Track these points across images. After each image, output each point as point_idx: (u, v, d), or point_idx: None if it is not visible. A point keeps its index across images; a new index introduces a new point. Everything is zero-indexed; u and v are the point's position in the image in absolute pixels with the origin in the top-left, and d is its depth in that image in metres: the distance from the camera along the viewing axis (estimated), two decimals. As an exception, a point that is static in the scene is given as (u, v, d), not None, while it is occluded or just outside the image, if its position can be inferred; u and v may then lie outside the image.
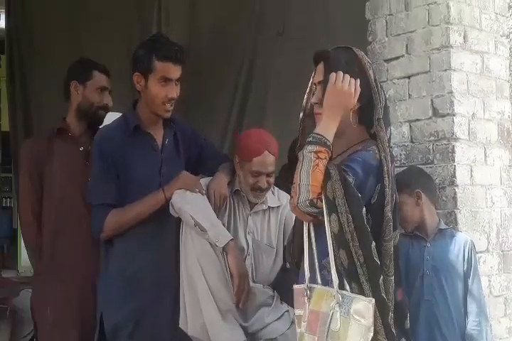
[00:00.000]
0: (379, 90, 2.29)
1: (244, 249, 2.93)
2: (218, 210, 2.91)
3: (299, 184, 2.10)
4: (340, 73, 2.22)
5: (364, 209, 2.08)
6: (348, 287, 2.05)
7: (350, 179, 2.09)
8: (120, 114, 3.14)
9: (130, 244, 2.87)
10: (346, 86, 2.21)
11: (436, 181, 3.17)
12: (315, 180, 2.09)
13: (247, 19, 5.86)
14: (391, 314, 2.06)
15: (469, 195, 3.21)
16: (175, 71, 2.83)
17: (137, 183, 2.87)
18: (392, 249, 2.16)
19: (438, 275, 2.89)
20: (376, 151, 2.21)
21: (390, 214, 2.15)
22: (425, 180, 3.07)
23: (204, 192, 2.88)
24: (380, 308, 2.01)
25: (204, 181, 2.94)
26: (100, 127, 3.15)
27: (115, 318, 2.83)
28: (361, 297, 2.01)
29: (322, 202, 2.09)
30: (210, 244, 2.74)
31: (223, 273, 2.74)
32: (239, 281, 2.72)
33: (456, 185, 3.15)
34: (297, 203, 2.10)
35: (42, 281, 3.17)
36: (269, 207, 3.04)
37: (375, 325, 1.97)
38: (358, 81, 2.24)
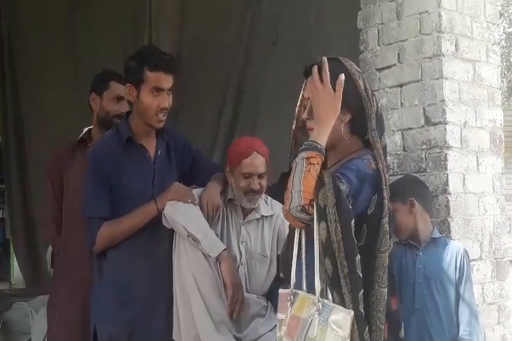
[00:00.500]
0: (370, 99, 2.25)
1: (236, 258, 2.92)
2: (211, 220, 2.90)
3: (291, 190, 2.10)
4: (326, 82, 2.19)
5: (353, 220, 2.06)
6: (330, 296, 2.05)
7: (344, 186, 2.08)
8: None
9: (123, 255, 2.85)
10: (332, 91, 2.18)
11: (429, 189, 3.17)
12: (307, 186, 2.08)
13: (239, 29, 5.85)
14: (367, 329, 2.04)
15: (462, 203, 3.22)
16: (167, 81, 2.82)
17: (130, 195, 2.86)
18: (387, 259, 2.14)
19: (429, 284, 2.90)
20: (371, 160, 2.19)
21: (387, 226, 2.13)
22: (419, 188, 3.07)
23: (197, 202, 2.87)
24: (358, 322, 2.00)
25: (196, 191, 2.93)
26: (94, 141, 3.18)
27: (109, 330, 2.82)
28: (341, 308, 2.00)
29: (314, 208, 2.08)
30: (204, 254, 2.73)
31: (216, 283, 2.73)
32: (233, 292, 2.70)
33: (449, 193, 3.16)
34: (289, 209, 2.09)
35: (54, 284, 3.30)
36: (262, 216, 3.03)
37: (352, 338, 1.97)
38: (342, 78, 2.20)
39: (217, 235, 2.84)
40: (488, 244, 3.34)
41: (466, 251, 2.97)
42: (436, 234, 2.99)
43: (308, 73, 2.30)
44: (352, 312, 1.98)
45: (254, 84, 5.75)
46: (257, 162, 2.91)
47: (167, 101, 2.84)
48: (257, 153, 2.91)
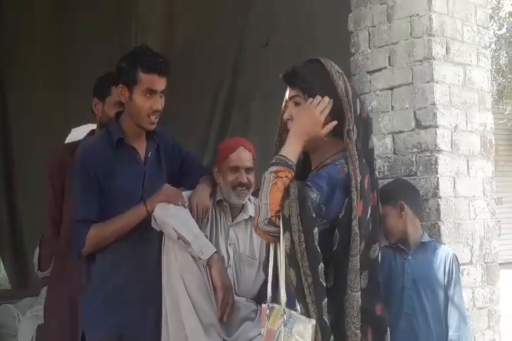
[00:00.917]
0: (350, 100, 2.23)
1: (224, 260, 2.91)
2: (201, 222, 2.89)
3: (259, 204, 2.12)
4: (318, 98, 2.21)
5: (316, 229, 2.06)
6: (298, 306, 2.06)
7: (315, 195, 2.08)
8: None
9: (111, 258, 2.83)
10: (318, 113, 2.19)
11: (420, 193, 3.16)
12: (273, 198, 2.09)
13: (229, 33, 5.84)
14: (332, 337, 2.04)
15: (452, 207, 3.21)
16: (160, 83, 2.81)
17: (120, 197, 2.84)
18: (359, 264, 2.10)
19: (418, 289, 2.89)
20: (344, 165, 2.17)
21: (357, 229, 2.10)
22: (410, 192, 3.07)
23: (186, 204, 2.85)
24: (322, 331, 2.01)
25: (186, 194, 2.92)
26: (83, 141, 3.16)
27: (98, 334, 2.80)
28: (302, 317, 2.02)
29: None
30: (193, 257, 2.71)
31: (206, 286, 2.72)
32: (223, 294, 2.69)
33: (440, 197, 3.16)
34: (257, 223, 2.11)
35: (51, 286, 3.31)
36: (250, 216, 3.03)
37: None
38: (330, 105, 2.21)
39: (206, 237, 2.83)
40: (478, 248, 3.33)
41: (455, 256, 2.97)
42: (426, 238, 2.99)
43: (286, 78, 2.29)
44: (313, 321, 1.99)
45: (244, 87, 5.74)
46: (244, 156, 2.96)
47: (160, 103, 2.83)
48: (243, 148, 2.98)
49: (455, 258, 2.96)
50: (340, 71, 2.28)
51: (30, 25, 7.04)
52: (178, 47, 6.04)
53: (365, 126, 2.31)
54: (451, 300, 2.89)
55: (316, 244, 2.05)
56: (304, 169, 2.31)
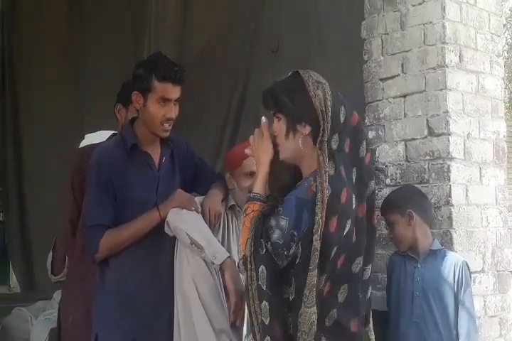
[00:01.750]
0: (327, 110, 2.16)
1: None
2: (213, 227, 2.90)
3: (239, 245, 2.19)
4: (257, 131, 2.29)
5: (262, 267, 2.08)
6: None
7: (284, 221, 2.06)
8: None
9: (125, 263, 2.84)
10: (261, 141, 2.27)
11: (432, 201, 3.16)
12: (242, 239, 2.16)
13: (240, 38, 5.85)
14: None
15: (465, 215, 3.21)
16: (174, 92, 2.82)
17: (134, 202, 2.85)
18: (315, 279, 2.05)
19: (427, 297, 2.88)
20: (312, 182, 2.12)
21: (316, 244, 2.04)
22: (419, 199, 3.05)
23: (199, 210, 2.86)
24: None
25: (198, 199, 2.93)
26: (98, 146, 3.15)
27: (111, 338, 2.80)
28: None
29: None
30: (205, 262, 2.72)
31: (218, 292, 2.72)
32: (236, 299, 2.69)
33: (452, 205, 3.15)
34: (238, 265, 2.20)
35: (68, 289, 3.30)
36: None
37: None
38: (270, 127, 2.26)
39: (218, 242, 2.84)
40: (490, 256, 3.33)
41: (465, 263, 2.94)
42: (436, 246, 2.97)
43: (262, 100, 2.31)
44: None
45: (255, 94, 5.74)
46: None
47: (173, 111, 2.84)
48: None
49: (465, 265, 2.94)
50: (321, 80, 2.22)
51: (44, 34, 7.10)
52: (191, 55, 6.06)
53: (354, 134, 2.23)
54: (461, 308, 2.87)
55: (261, 282, 2.07)
56: (295, 181, 2.26)
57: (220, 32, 5.93)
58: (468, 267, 2.95)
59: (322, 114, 2.15)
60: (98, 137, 3.40)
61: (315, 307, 2.04)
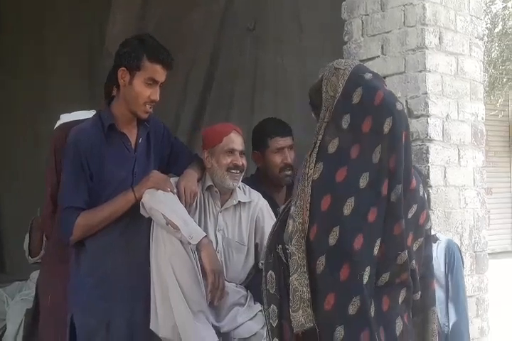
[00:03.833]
0: (333, 96, 2.12)
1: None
2: (189, 207, 2.89)
3: None
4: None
5: (271, 272, 2.14)
6: None
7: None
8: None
9: (100, 245, 2.81)
10: None
11: (410, 182, 3.16)
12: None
13: (208, 14, 5.69)
14: None
15: (443, 196, 3.22)
16: (162, 74, 2.82)
17: (110, 183, 2.82)
18: (297, 283, 2.05)
19: None
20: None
21: (294, 249, 2.02)
22: None
23: (175, 190, 2.85)
24: None
25: (174, 180, 2.91)
26: (73, 127, 3.10)
27: (86, 320, 2.79)
28: None
29: None
30: (182, 242, 2.70)
31: (195, 272, 2.71)
32: (213, 278, 2.68)
33: (430, 186, 3.16)
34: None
35: (47, 268, 3.22)
36: (239, 202, 3.03)
37: None
38: None
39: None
40: (468, 237, 3.35)
41: (456, 246, 2.95)
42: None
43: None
44: None
45: (225, 71, 5.64)
46: (238, 140, 3.01)
47: (158, 93, 2.83)
48: (236, 132, 3.03)
49: (455, 248, 2.94)
50: (341, 67, 2.15)
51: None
52: (153, 25, 5.86)
53: (377, 112, 2.09)
54: (450, 291, 2.88)
55: (270, 286, 2.12)
56: None
57: (185, 4, 5.76)
58: (459, 249, 2.96)
59: (331, 99, 2.13)
60: (74, 117, 3.33)
61: (301, 310, 2.02)
